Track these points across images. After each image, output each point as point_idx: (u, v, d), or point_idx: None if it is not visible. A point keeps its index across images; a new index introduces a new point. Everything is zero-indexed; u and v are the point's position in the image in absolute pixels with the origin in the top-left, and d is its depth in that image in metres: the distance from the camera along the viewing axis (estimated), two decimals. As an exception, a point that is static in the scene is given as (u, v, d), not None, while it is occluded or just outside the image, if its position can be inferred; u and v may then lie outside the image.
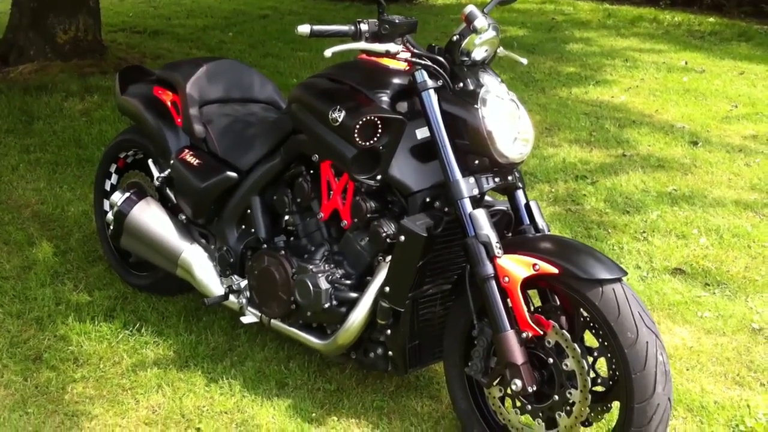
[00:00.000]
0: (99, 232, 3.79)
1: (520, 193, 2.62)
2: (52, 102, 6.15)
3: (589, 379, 2.36)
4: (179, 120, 3.24)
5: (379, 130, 2.54)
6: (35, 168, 4.96)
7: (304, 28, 2.41)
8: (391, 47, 2.48)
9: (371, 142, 2.53)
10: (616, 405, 2.39)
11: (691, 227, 4.28)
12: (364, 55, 2.68)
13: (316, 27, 2.43)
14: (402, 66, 2.61)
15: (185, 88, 3.19)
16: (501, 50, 2.68)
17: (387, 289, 2.57)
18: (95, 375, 3.03)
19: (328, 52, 2.38)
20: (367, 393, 2.94)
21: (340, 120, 2.55)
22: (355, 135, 2.50)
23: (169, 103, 3.31)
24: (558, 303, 2.47)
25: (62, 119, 5.84)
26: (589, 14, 10.28)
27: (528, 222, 2.60)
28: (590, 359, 2.41)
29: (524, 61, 2.82)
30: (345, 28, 2.49)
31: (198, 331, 3.30)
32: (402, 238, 2.50)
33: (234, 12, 10.51)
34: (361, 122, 2.49)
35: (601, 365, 2.43)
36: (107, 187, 3.71)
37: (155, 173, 3.34)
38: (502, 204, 2.69)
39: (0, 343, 3.19)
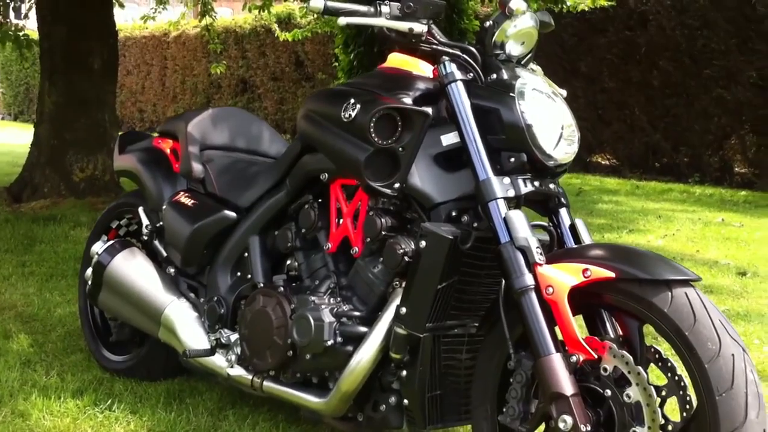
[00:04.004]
0: (81, 313, 3.35)
1: (564, 212, 2.22)
2: (58, 230, 5.88)
3: (659, 411, 1.84)
4: (177, 165, 2.91)
5: (399, 128, 2.19)
6: (28, 278, 4.61)
7: (317, 3, 2.13)
8: (416, 26, 2.18)
9: (389, 141, 2.18)
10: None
11: (752, 338, 3.76)
12: (384, 65, 2.40)
13: (331, 3, 2.14)
14: (427, 74, 2.30)
15: (186, 130, 2.87)
16: (538, 69, 2.38)
17: (403, 310, 2.11)
18: (50, 450, 2.52)
19: (342, 21, 2.09)
20: (376, 474, 2.39)
21: (353, 115, 2.20)
22: (371, 130, 2.14)
23: (168, 151, 2.99)
24: (615, 326, 2.00)
25: (66, 243, 5.54)
26: (617, 186, 10.09)
27: (573, 244, 2.18)
28: (657, 400, 1.90)
29: (563, 92, 2.50)
30: (363, 8, 2.20)
31: (179, 411, 2.79)
32: (423, 243, 2.07)
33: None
34: (378, 115, 2.14)
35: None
36: (95, 262, 3.32)
37: (144, 221, 2.95)
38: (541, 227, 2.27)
39: (-52, 420, 2.71)
